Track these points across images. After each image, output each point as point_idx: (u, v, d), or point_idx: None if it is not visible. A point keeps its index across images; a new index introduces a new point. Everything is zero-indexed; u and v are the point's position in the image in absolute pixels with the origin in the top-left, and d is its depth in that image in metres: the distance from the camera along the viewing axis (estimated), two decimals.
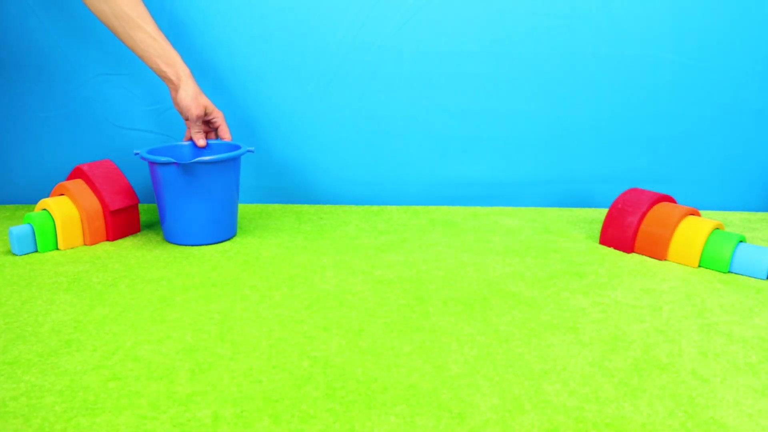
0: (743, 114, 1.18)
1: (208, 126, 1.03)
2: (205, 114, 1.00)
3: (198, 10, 1.11)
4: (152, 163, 0.93)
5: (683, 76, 1.16)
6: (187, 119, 0.99)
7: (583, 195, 1.22)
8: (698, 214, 0.94)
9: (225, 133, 1.02)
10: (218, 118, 1.02)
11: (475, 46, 1.14)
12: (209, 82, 1.15)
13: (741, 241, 0.88)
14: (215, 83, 1.15)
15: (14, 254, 0.90)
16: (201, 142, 1.00)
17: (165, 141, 1.17)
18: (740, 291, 0.81)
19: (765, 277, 0.85)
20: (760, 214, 1.18)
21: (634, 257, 0.93)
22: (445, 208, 1.19)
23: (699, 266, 0.89)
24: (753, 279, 0.85)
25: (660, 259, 0.92)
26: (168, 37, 1.12)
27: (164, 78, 0.97)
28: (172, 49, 0.97)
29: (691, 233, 0.89)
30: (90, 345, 0.65)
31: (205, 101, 0.99)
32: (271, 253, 0.93)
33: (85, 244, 0.95)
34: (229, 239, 0.99)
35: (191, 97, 0.96)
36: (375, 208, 1.19)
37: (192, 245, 0.96)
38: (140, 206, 1.16)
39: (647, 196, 0.95)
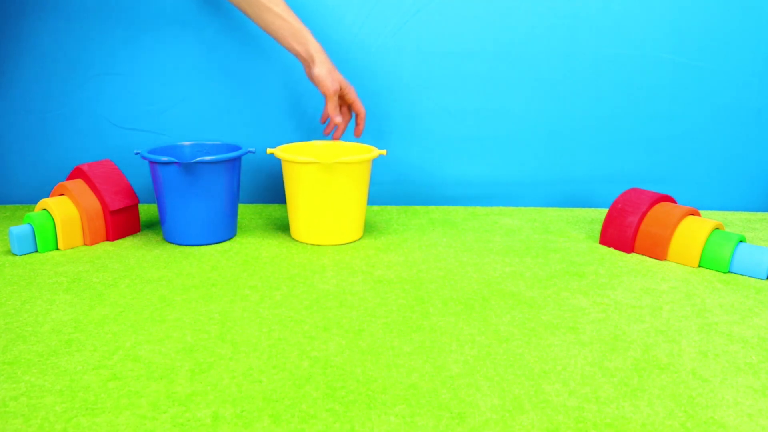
0: (743, 114, 1.18)
1: (342, 101, 1.04)
2: (339, 89, 1.00)
3: (199, 10, 1.11)
4: (153, 163, 0.93)
5: (683, 76, 1.16)
6: (323, 94, 1.00)
7: (583, 195, 1.22)
8: (698, 214, 0.94)
9: (360, 108, 1.04)
10: (351, 93, 1.02)
11: (475, 46, 1.14)
12: (210, 82, 1.15)
13: (741, 241, 0.88)
14: (216, 83, 1.15)
15: (14, 254, 0.90)
16: (338, 118, 1.01)
17: (165, 141, 1.17)
18: (740, 291, 0.81)
19: (765, 277, 0.85)
20: (760, 214, 1.18)
21: (634, 257, 0.93)
22: (445, 208, 1.19)
23: (699, 266, 0.89)
24: (753, 279, 0.85)
25: (660, 259, 0.92)
26: (170, 38, 1.13)
27: (297, 55, 0.99)
28: (303, 27, 0.98)
29: (691, 233, 0.89)
30: (90, 345, 0.65)
31: (339, 77, 0.99)
32: (271, 253, 0.93)
33: (85, 244, 0.95)
34: (229, 239, 0.99)
35: (326, 72, 0.97)
36: (375, 208, 1.19)
37: (192, 245, 0.96)
38: (140, 206, 1.16)
39: (647, 196, 0.95)
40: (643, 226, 0.93)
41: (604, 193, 1.21)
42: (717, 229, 0.90)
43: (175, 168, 0.91)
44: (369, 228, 1.06)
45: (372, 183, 1.19)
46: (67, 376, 0.59)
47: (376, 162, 1.16)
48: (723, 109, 1.18)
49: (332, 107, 1.00)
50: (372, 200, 1.20)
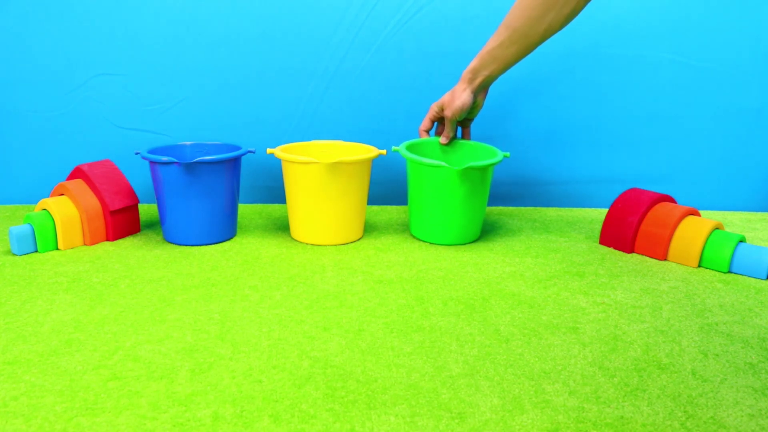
0: (743, 114, 1.18)
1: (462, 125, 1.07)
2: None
3: (200, 10, 1.11)
4: (153, 163, 0.93)
5: (683, 76, 1.16)
6: (445, 116, 1.01)
7: (583, 195, 1.22)
8: (698, 214, 0.94)
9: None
10: (467, 122, 1.05)
11: (475, 46, 1.14)
12: (210, 82, 1.15)
13: (741, 241, 0.88)
14: (216, 83, 1.15)
15: (14, 254, 0.90)
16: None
17: (165, 141, 1.17)
18: (740, 291, 0.81)
19: (765, 277, 0.85)
20: (760, 214, 1.18)
21: (634, 257, 0.93)
22: None
23: (699, 266, 0.89)
24: (753, 279, 0.85)
25: (660, 259, 0.92)
26: (170, 36, 1.13)
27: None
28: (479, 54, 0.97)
29: (691, 233, 0.89)
30: (90, 345, 0.65)
31: (441, 101, 1.01)
32: (271, 253, 0.93)
33: (85, 244, 0.95)
34: (229, 239, 0.99)
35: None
36: (375, 208, 1.19)
37: (192, 245, 0.96)
38: (140, 206, 1.16)
39: (647, 196, 0.95)
40: (643, 226, 0.93)
41: (604, 193, 1.21)
42: (717, 229, 0.90)
43: (176, 168, 0.91)
44: (369, 228, 1.06)
45: (372, 183, 1.19)
46: (67, 376, 0.59)
47: (376, 162, 1.16)
48: (723, 109, 1.18)
49: (450, 129, 1.03)
50: (372, 200, 1.20)
